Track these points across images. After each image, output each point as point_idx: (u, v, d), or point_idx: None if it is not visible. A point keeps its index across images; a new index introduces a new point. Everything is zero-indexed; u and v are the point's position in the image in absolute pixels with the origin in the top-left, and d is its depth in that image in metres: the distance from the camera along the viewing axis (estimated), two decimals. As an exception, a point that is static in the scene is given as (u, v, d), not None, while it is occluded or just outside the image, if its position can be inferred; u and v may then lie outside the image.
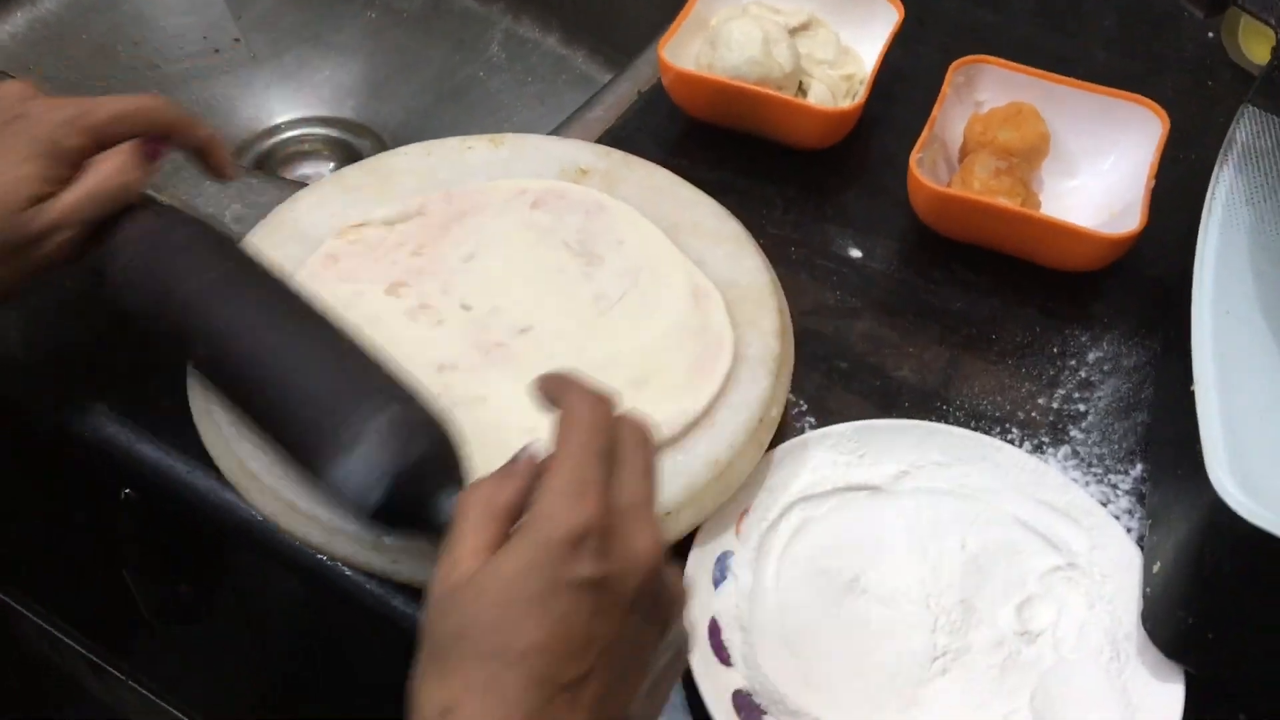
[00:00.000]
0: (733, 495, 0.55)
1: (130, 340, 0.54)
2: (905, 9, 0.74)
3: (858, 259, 0.68)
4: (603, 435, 0.41)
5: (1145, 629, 0.52)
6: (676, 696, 0.51)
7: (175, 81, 1.13)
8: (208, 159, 0.57)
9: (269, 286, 0.50)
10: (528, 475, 0.42)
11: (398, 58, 1.12)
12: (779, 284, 0.61)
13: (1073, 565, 0.55)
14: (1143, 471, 0.59)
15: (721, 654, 0.52)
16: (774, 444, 0.57)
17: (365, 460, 0.44)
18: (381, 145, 1.08)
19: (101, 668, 0.93)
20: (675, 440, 0.53)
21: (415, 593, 0.52)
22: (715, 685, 0.50)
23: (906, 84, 0.75)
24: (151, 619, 0.71)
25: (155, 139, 0.54)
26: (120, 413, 0.59)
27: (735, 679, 0.51)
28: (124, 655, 0.91)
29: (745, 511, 0.55)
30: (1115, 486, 0.59)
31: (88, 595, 0.82)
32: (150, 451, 0.58)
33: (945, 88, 0.69)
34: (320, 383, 0.47)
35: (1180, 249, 0.61)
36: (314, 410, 0.46)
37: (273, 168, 1.07)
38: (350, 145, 1.08)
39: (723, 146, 0.72)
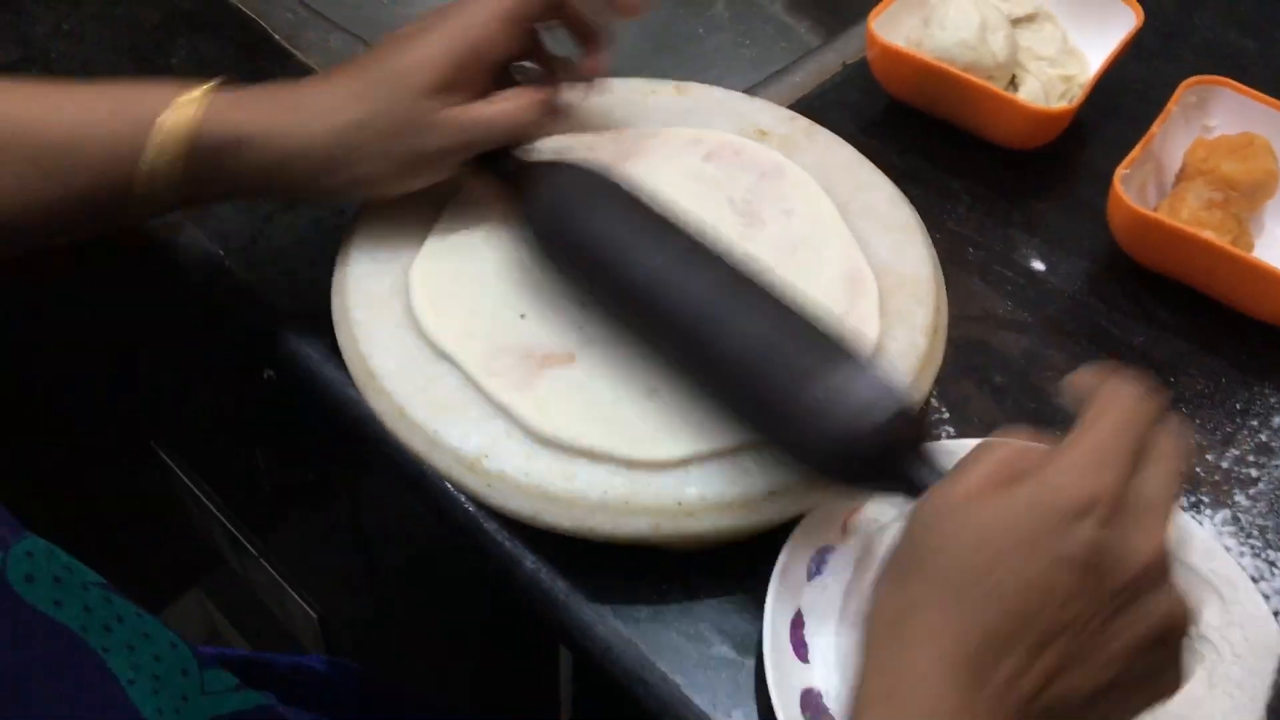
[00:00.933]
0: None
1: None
2: (1148, 17, 0.68)
3: (1040, 272, 0.64)
4: (1138, 429, 0.39)
5: (1271, 723, 0.47)
6: (752, 680, 0.49)
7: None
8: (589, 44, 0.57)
9: (691, 237, 0.50)
10: (1041, 454, 0.39)
11: (620, 3, 1.12)
12: (943, 281, 0.58)
13: (1203, 639, 0.50)
14: (1311, 554, 0.53)
15: (800, 650, 0.49)
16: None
17: (872, 382, 0.44)
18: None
19: (240, 543, 0.98)
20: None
21: (505, 520, 0.52)
22: (786, 679, 0.48)
23: (1132, 97, 0.69)
24: (274, 496, 0.73)
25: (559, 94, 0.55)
26: (270, 289, 0.61)
27: (810, 677, 0.49)
28: (261, 536, 0.95)
29: (857, 510, 0.53)
30: (1273, 564, 0.53)
31: (233, 472, 0.85)
32: (290, 336, 0.60)
33: (1172, 104, 0.63)
34: (789, 321, 0.47)
35: None
36: (793, 342, 0.46)
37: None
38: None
39: (918, 132, 0.69)
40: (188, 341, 0.76)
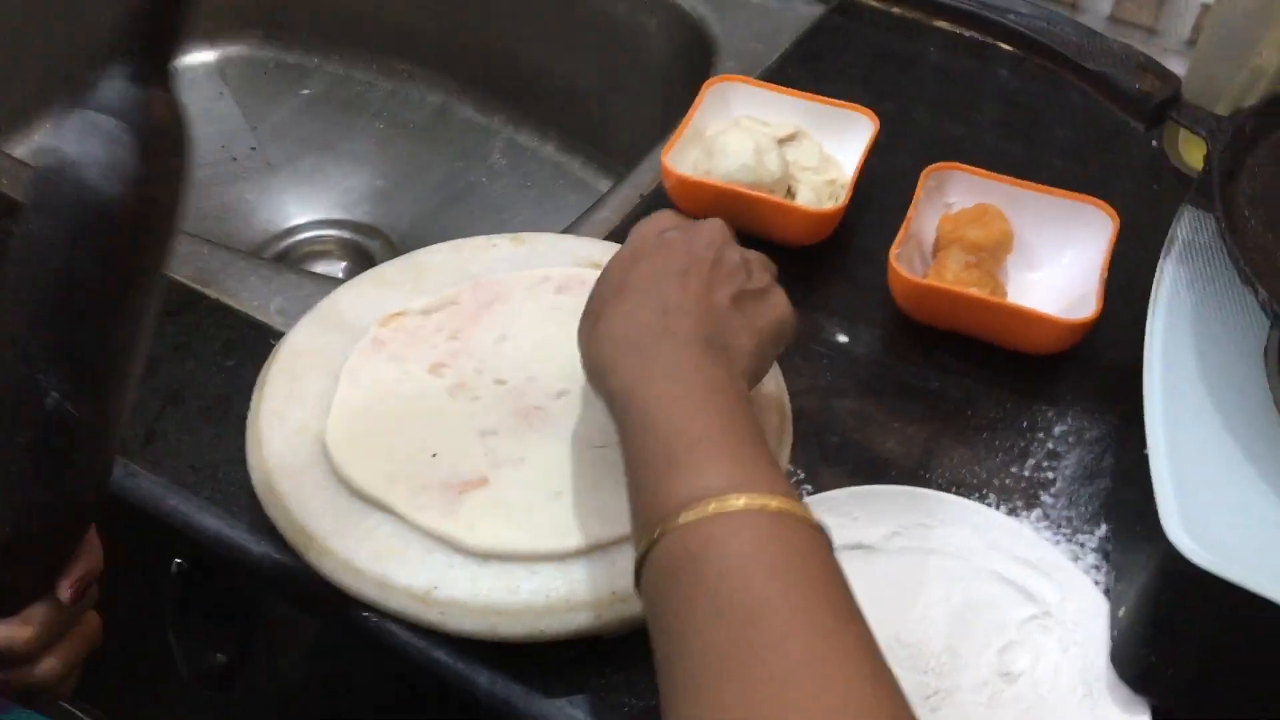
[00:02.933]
0: (741, 554, 0.60)
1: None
2: (881, 121, 0.83)
3: (844, 344, 0.75)
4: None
5: (1114, 668, 0.58)
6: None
7: (195, 187, 1.20)
8: None
9: None
10: None
11: (405, 165, 1.20)
12: (777, 364, 0.68)
13: (1047, 614, 0.61)
14: (1106, 531, 0.66)
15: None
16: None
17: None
18: (391, 246, 1.16)
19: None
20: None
21: (458, 645, 0.58)
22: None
23: (883, 188, 0.83)
24: (190, 683, 0.75)
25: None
26: (180, 484, 0.65)
27: None
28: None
29: (752, 569, 0.61)
30: (1083, 545, 0.65)
31: (118, 659, 0.86)
32: (210, 521, 0.64)
33: (919, 190, 0.77)
34: None
35: (1132, 333, 0.69)
36: None
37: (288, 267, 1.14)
38: (362, 246, 1.16)
39: (719, 244, 0.80)
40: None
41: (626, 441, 0.50)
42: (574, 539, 0.57)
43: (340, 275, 1.13)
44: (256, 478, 0.61)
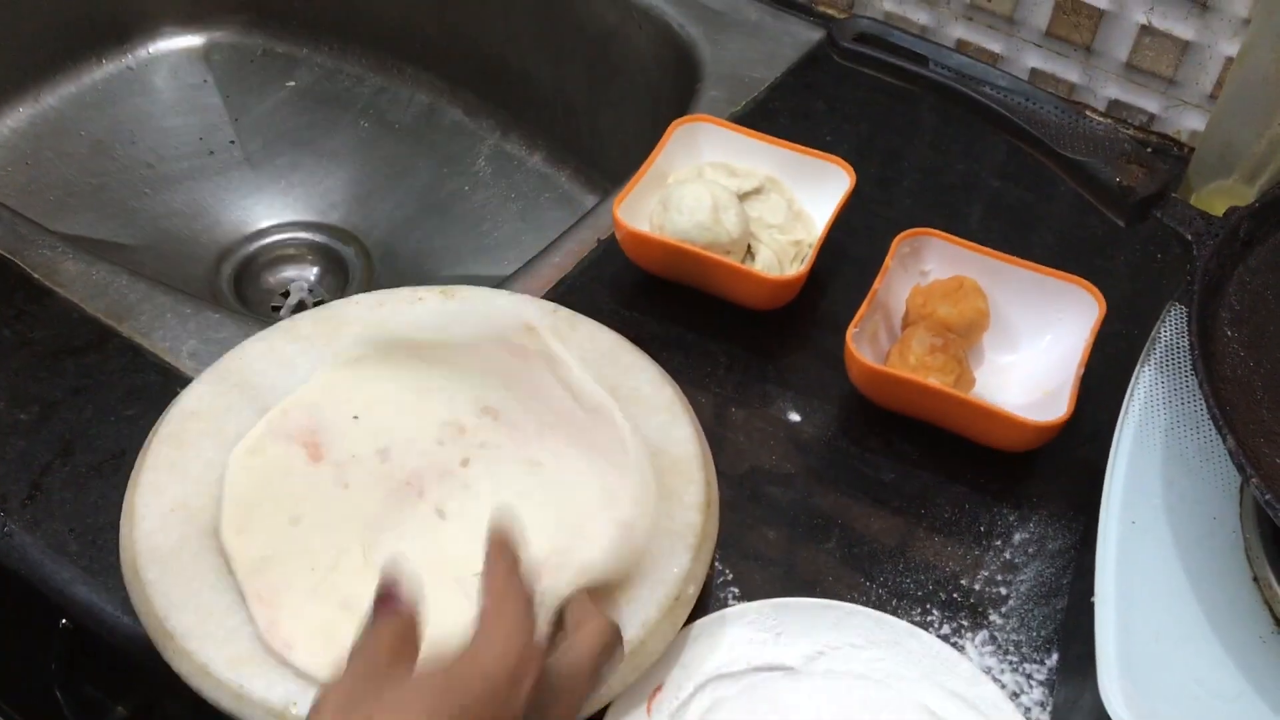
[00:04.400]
0: (645, 671, 0.55)
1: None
2: (869, 166, 0.76)
3: (796, 422, 0.69)
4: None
5: (1040, 836, 0.52)
6: None
7: (168, 181, 1.16)
8: None
9: None
10: None
11: (387, 167, 1.15)
12: (709, 456, 0.63)
13: (976, 760, 0.55)
14: (1057, 661, 0.60)
15: (619, 837, 0.52)
16: (693, 616, 0.58)
17: None
18: (365, 252, 1.11)
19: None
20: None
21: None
22: None
23: (857, 243, 0.77)
24: (85, 743, 0.72)
25: None
26: (56, 549, 0.61)
27: None
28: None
29: (658, 688, 0.56)
30: (1030, 676, 0.59)
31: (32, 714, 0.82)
32: (82, 592, 0.60)
33: (889, 259, 0.70)
34: None
35: (1110, 431, 0.62)
36: None
37: (256, 271, 1.10)
38: (335, 251, 1.11)
39: (673, 301, 0.74)
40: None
41: None
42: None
43: (310, 280, 1.09)
44: (125, 558, 0.57)
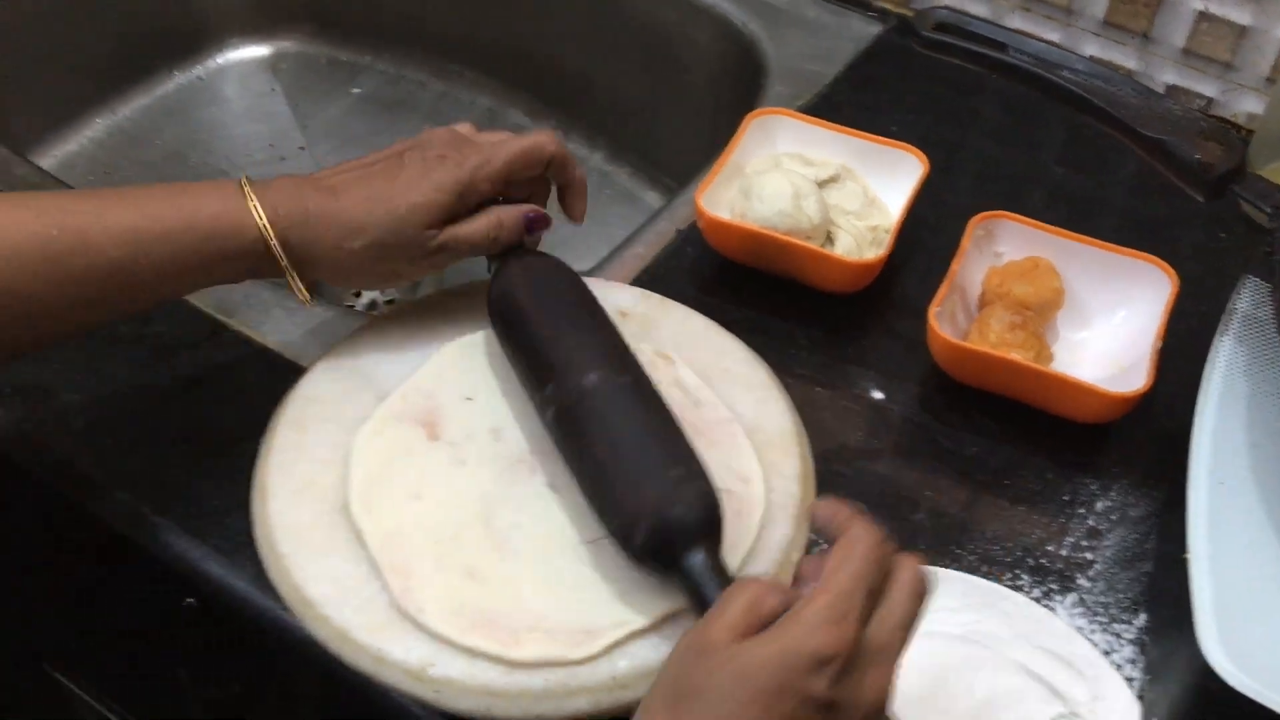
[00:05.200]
0: (753, 635, 0.58)
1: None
2: (934, 155, 0.79)
3: (880, 401, 0.72)
4: (877, 571, 0.46)
5: (1140, 782, 0.55)
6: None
7: (241, 188, 1.20)
8: (570, 198, 0.69)
9: (611, 336, 0.62)
10: (788, 596, 0.46)
11: (452, 169, 1.19)
12: (803, 429, 0.65)
13: (1074, 715, 0.58)
14: (1146, 622, 0.62)
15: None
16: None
17: (710, 475, 0.55)
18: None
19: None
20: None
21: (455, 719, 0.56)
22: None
23: (931, 230, 0.79)
24: (203, 716, 0.75)
25: (539, 219, 0.66)
26: (187, 529, 0.64)
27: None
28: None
29: (765, 650, 0.59)
30: (1119, 635, 0.62)
31: (140, 684, 0.86)
32: (215, 569, 0.63)
33: (965, 241, 0.73)
34: (646, 430, 0.57)
35: (1188, 404, 0.65)
36: (639, 447, 0.56)
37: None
38: (404, 252, 1.14)
39: (753, 287, 0.77)
40: (94, 574, 0.78)
41: None
42: (594, 645, 0.55)
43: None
44: (259, 533, 0.60)
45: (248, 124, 1.23)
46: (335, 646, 0.56)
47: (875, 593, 0.46)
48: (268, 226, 0.59)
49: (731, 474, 0.61)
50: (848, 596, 0.45)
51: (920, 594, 0.47)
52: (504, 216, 0.64)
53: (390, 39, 1.25)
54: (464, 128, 0.67)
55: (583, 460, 0.58)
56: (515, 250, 0.66)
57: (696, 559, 0.52)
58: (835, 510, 0.49)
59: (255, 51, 1.27)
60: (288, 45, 1.27)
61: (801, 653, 0.43)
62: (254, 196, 0.60)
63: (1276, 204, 0.57)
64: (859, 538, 0.47)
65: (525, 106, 1.21)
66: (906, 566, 0.47)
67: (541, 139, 0.65)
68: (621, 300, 0.70)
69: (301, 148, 1.21)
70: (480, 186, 0.63)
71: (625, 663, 0.55)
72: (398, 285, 0.65)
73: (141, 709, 0.89)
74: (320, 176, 0.63)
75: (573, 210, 0.69)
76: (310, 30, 1.27)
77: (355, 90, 1.25)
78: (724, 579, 0.52)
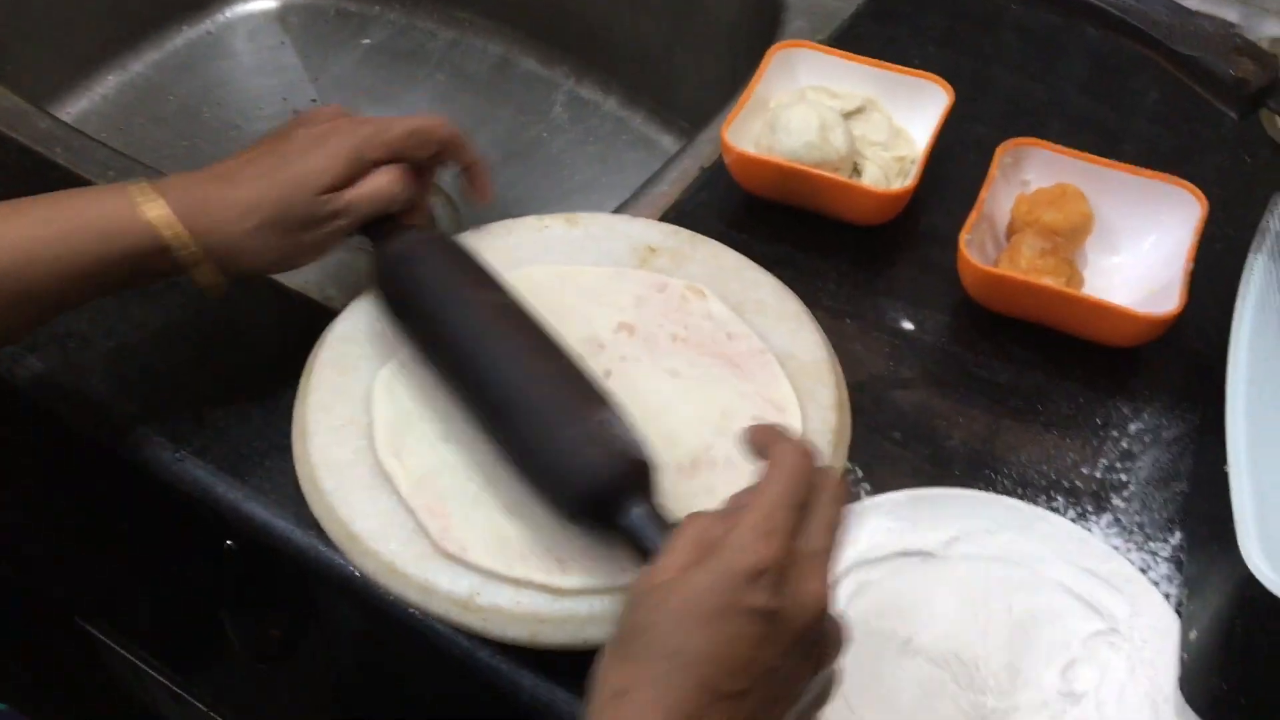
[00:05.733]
0: (794, 560, 0.59)
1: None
2: (956, 87, 0.78)
3: (910, 331, 0.72)
4: (802, 485, 0.47)
5: (1183, 693, 0.55)
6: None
7: (255, 138, 1.19)
8: (473, 178, 0.68)
9: (505, 299, 0.61)
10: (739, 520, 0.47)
11: (466, 118, 1.18)
12: (836, 359, 0.66)
13: (1114, 630, 0.58)
14: (1181, 540, 0.62)
15: (784, 710, 0.56)
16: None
17: (628, 430, 0.54)
18: (451, 205, 1.14)
19: (181, 697, 0.99)
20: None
21: (503, 648, 0.57)
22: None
23: (957, 161, 0.79)
24: (245, 658, 0.76)
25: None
26: (227, 471, 0.65)
27: None
28: (204, 686, 0.96)
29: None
30: (1155, 554, 0.62)
31: (175, 631, 0.87)
32: (257, 510, 0.63)
33: (993, 169, 0.73)
34: (572, 370, 0.57)
35: (1218, 326, 0.65)
36: (546, 405, 0.55)
37: (347, 224, 1.13)
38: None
39: (780, 221, 0.77)
40: (132, 523, 0.79)
41: None
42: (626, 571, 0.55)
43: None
44: (302, 471, 0.60)
45: (259, 78, 1.22)
46: (383, 579, 0.56)
47: (802, 506, 0.47)
48: (168, 219, 0.59)
49: (767, 403, 0.62)
50: (774, 511, 0.46)
51: (842, 499, 0.48)
52: (392, 172, 0.63)
53: (399, -14, 1.25)
54: (334, 109, 0.66)
55: (497, 431, 0.57)
56: (397, 227, 0.64)
57: (634, 514, 0.52)
58: (763, 431, 0.50)
59: (263, 4, 1.26)
60: (296, -3, 1.26)
61: (736, 570, 0.44)
62: (148, 193, 0.59)
63: (1312, 118, 0.57)
64: (783, 456, 0.48)
65: (537, 54, 1.21)
66: (828, 475, 0.49)
67: (435, 120, 0.65)
68: (650, 236, 0.70)
69: (313, 100, 1.21)
70: (372, 155, 0.62)
71: (670, 588, 0.55)
72: (310, 260, 0.64)
73: (176, 658, 0.90)
74: (213, 166, 0.63)
75: (481, 191, 0.69)
76: (319, -19, 1.26)
77: (365, 41, 1.25)
78: (664, 525, 0.51)
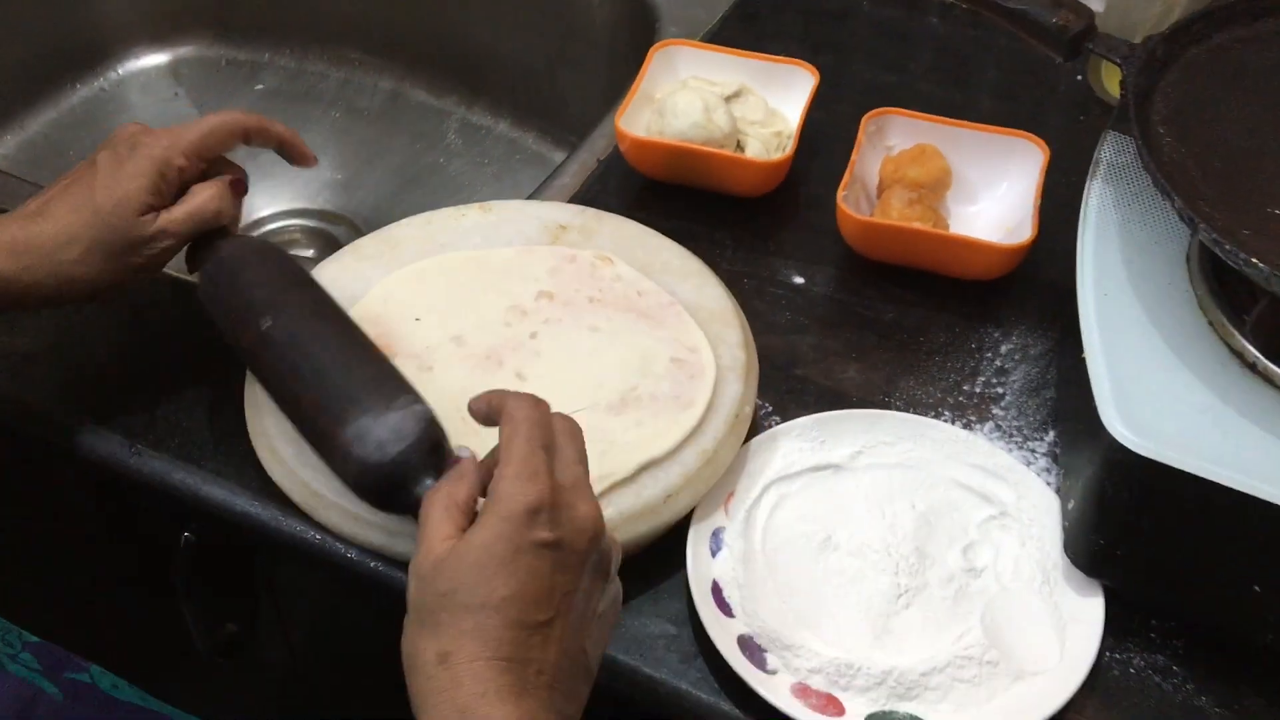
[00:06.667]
0: (719, 480, 0.65)
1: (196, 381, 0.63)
2: (820, 74, 0.87)
3: (801, 284, 0.80)
4: (542, 430, 0.52)
5: (1067, 555, 0.63)
6: (691, 646, 0.61)
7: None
8: (289, 151, 0.69)
9: (316, 294, 0.63)
10: (476, 473, 0.52)
11: (364, 151, 1.23)
12: (739, 307, 0.73)
13: (1005, 514, 0.66)
14: (1054, 437, 0.71)
15: (725, 609, 0.62)
16: (748, 438, 0.68)
17: (385, 427, 0.54)
18: (356, 230, 1.19)
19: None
20: (676, 448, 0.64)
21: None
22: (723, 633, 0.60)
23: (826, 137, 0.87)
24: (205, 654, 0.79)
25: (240, 183, 0.67)
26: (184, 459, 0.69)
27: (738, 627, 0.61)
28: (167, 686, 0.98)
29: (731, 494, 0.66)
30: (1033, 451, 0.70)
31: (133, 633, 0.89)
32: (216, 491, 0.67)
33: (860, 135, 0.81)
34: (351, 370, 0.58)
35: (1068, 255, 0.73)
36: (344, 389, 0.57)
37: (257, 258, 1.17)
38: (328, 233, 1.19)
39: (675, 200, 0.84)
40: (84, 533, 0.81)
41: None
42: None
43: (308, 260, 1.16)
44: (260, 444, 0.65)
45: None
46: (348, 529, 0.61)
47: (548, 447, 0.51)
48: None
49: (682, 345, 0.68)
50: (529, 456, 0.50)
51: (578, 433, 0.54)
52: (212, 188, 0.64)
53: (287, 35, 1.29)
54: (135, 126, 0.65)
55: (290, 409, 0.59)
56: (217, 235, 0.66)
57: (425, 489, 0.54)
58: (487, 396, 0.55)
59: (155, 59, 1.30)
60: (186, 51, 1.31)
61: (514, 515, 0.49)
62: None
63: (1124, 54, 0.66)
64: (517, 409, 0.52)
65: (427, 85, 1.27)
66: (560, 416, 0.54)
67: (233, 112, 0.66)
68: (560, 216, 0.77)
69: (213, 145, 1.24)
70: (176, 162, 0.63)
71: (611, 510, 0.61)
72: (146, 277, 0.65)
73: (131, 668, 0.92)
74: (25, 204, 0.63)
75: (303, 158, 0.69)
76: (207, 34, 1.30)
77: (259, 86, 1.29)
78: None
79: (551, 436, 0.52)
